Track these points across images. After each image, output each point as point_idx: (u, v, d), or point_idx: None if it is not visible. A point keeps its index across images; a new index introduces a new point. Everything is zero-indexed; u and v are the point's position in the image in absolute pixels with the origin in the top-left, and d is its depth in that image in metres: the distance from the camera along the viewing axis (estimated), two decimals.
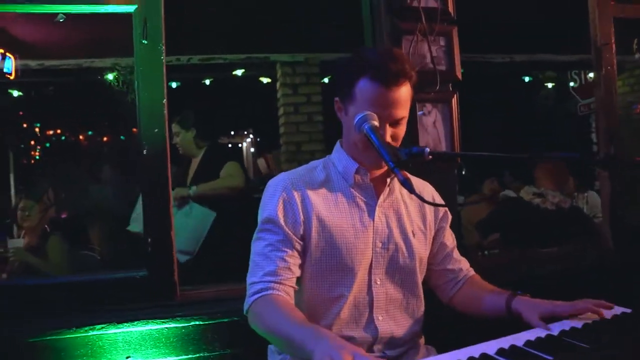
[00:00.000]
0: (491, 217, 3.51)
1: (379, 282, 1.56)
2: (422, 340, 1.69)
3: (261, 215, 1.54)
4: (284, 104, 5.08)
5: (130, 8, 2.01)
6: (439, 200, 1.72)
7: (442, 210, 1.70)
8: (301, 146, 5.03)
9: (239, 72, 5.16)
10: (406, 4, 2.12)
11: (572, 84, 6.35)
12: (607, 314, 1.45)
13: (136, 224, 2.97)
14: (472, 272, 1.75)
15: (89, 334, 1.84)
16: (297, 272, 1.50)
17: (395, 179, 1.58)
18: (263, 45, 4.80)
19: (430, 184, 1.75)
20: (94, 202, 4.35)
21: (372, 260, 1.55)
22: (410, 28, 2.11)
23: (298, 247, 1.50)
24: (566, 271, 2.47)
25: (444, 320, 1.78)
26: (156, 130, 2.00)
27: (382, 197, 1.57)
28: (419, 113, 2.11)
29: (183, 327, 1.91)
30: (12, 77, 3.80)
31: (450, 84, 2.21)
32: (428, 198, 1.68)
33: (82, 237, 3.65)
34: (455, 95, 2.19)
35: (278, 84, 5.19)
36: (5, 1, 1.97)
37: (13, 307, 1.91)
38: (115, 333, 1.86)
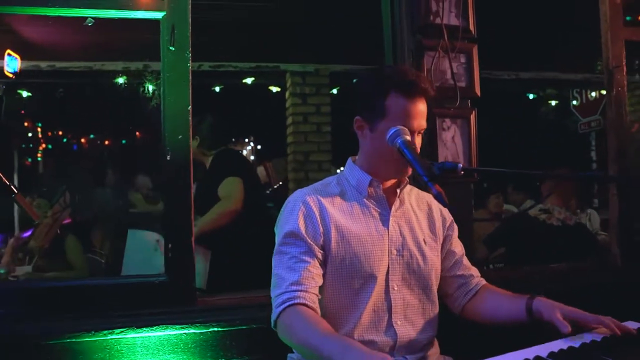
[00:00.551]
0: (497, 232, 3.54)
1: (396, 288, 1.61)
2: (437, 349, 1.72)
3: (282, 229, 1.59)
4: (293, 114, 5.12)
5: (158, 14, 2.03)
6: (445, 212, 1.78)
7: (448, 219, 1.78)
8: (309, 156, 5.06)
9: (248, 80, 5.20)
10: (429, 20, 2.16)
11: (574, 102, 6.43)
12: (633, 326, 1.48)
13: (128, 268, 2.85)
14: (484, 281, 1.79)
15: (108, 337, 1.84)
16: (320, 281, 1.55)
17: (405, 190, 1.68)
18: (273, 54, 4.85)
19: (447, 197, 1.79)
20: (97, 206, 4.37)
21: (389, 267, 1.60)
22: (433, 44, 2.15)
23: (320, 256, 1.56)
24: (575, 288, 2.49)
25: (460, 331, 1.80)
26: (180, 136, 2.02)
27: (394, 207, 1.64)
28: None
29: (201, 333, 1.92)
30: (13, 77, 3.79)
31: (469, 101, 2.24)
32: (435, 209, 1.77)
33: (85, 241, 3.66)
34: (474, 112, 2.23)
35: (287, 93, 5.23)
36: (35, 4, 2.00)
37: (31, 308, 1.92)
38: (134, 337, 1.86)
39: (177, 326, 1.90)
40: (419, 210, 1.73)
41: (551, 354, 1.27)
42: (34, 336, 1.81)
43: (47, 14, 2.02)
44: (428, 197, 1.79)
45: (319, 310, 1.51)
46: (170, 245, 2.00)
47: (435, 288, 1.70)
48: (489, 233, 3.53)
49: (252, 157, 9.04)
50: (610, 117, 2.72)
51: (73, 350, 1.81)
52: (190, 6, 2.04)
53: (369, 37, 3.07)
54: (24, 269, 2.95)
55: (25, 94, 5.23)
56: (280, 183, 5.41)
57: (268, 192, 5.01)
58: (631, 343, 1.39)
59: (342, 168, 1.77)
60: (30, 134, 7.42)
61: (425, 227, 1.71)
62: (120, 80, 4.61)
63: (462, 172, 1.40)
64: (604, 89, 5.84)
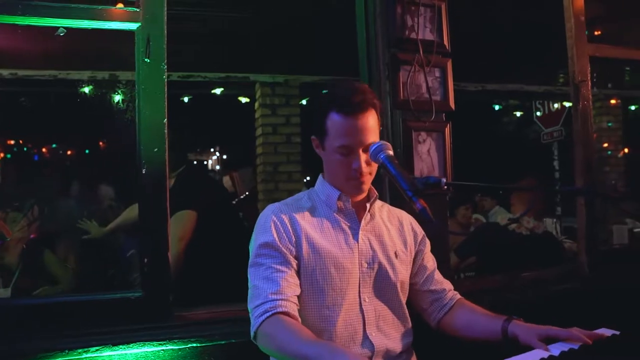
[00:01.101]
0: (468, 241, 3.60)
1: (367, 300, 1.63)
2: (414, 357, 1.74)
3: (257, 241, 1.59)
4: (263, 124, 5.10)
5: (133, 26, 2.00)
6: (417, 227, 1.82)
7: (420, 234, 1.81)
8: (279, 167, 5.05)
9: (218, 91, 5.16)
10: (405, 35, 2.19)
11: (537, 113, 6.61)
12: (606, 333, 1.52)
13: None
14: (458, 295, 1.81)
15: (83, 356, 1.79)
16: (298, 291, 1.55)
17: (375, 205, 1.72)
18: (243, 65, 4.84)
19: (416, 218, 1.83)
20: (62, 218, 4.25)
21: (359, 279, 1.62)
22: (409, 59, 2.19)
23: (295, 266, 1.57)
24: (545, 296, 2.55)
25: (437, 341, 1.82)
26: (156, 149, 1.99)
27: (364, 221, 1.67)
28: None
29: (180, 350, 1.89)
30: None
31: (444, 114, 2.28)
32: (406, 225, 1.80)
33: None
34: (448, 125, 2.27)
35: (257, 104, 5.21)
36: (4, 12, 1.94)
37: (2, 328, 1.85)
38: (110, 355, 1.82)
39: (155, 343, 1.86)
40: (391, 225, 1.76)
41: None
42: (5, 357, 1.75)
43: (18, 22, 1.96)
44: (399, 212, 1.83)
45: (299, 319, 1.51)
46: (145, 260, 1.96)
47: (404, 300, 1.73)
48: (460, 242, 3.58)
49: (217, 167, 8.98)
50: (577, 129, 2.81)
51: None
52: (165, 18, 2.02)
53: (339, 49, 3.10)
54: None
55: None
56: (247, 193, 5.38)
57: (234, 202, 4.96)
58: (609, 349, 1.42)
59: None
60: None
61: (397, 241, 1.73)
62: (86, 89, 4.51)
63: (446, 187, 1.42)
64: (565, 101, 6.07)
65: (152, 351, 1.86)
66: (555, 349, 1.42)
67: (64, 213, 4.39)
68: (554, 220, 4.33)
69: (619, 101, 6.88)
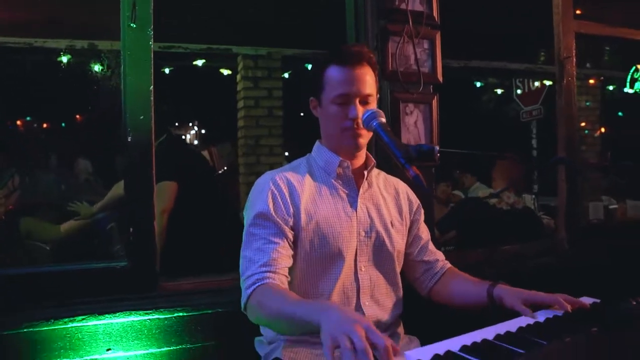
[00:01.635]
0: (449, 216, 3.64)
1: (363, 269, 1.64)
2: (402, 328, 1.76)
3: (252, 211, 1.57)
4: (245, 97, 5.05)
5: None
6: (412, 196, 1.83)
7: (415, 204, 1.82)
8: (260, 140, 5.01)
9: (199, 63, 5.08)
10: (395, 5, 2.18)
11: (518, 91, 6.65)
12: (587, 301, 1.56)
13: None
14: (448, 264, 1.84)
15: (68, 326, 1.78)
16: (290, 263, 1.55)
17: (373, 173, 1.71)
18: (225, 37, 4.76)
19: (409, 181, 1.82)
20: (41, 192, 4.18)
21: (357, 248, 1.63)
22: (398, 30, 2.18)
23: (290, 237, 1.56)
24: (525, 270, 2.59)
25: (424, 313, 1.85)
26: (142, 117, 1.95)
27: (362, 189, 1.67)
28: None
29: (166, 319, 1.88)
30: None
31: (432, 86, 2.28)
32: (402, 193, 1.80)
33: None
34: (436, 97, 2.27)
35: (239, 77, 5.15)
36: None
37: None
38: (95, 325, 1.81)
39: (141, 312, 1.86)
40: (387, 194, 1.76)
41: (507, 333, 1.31)
42: None
43: None
44: (395, 181, 1.83)
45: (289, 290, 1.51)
46: (131, 230, 1.94)
47: (398, 270, 1.74)
48: (441, 217, 3.62)
49: (195, 142, 8.89)
50: (560, 106, 2.84)
51: (32, 341, 1.73)
52: None
53: (324, 21, 3.06)
54: None
55: None
56: (225, 168, 5.34)
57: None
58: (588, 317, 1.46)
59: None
60: None
61: (392, 210, 1.74)
62: (64, 59, 4.39)
63: (439, 154, 1.42)
64: (546, 79, 6.12)
65: (138, 320, 1.85)
66: (541, 316, 1.44)
67: (43, 186, 4.32)
68: (533, 196, 4.39)
69: (598, 80, 6.96)
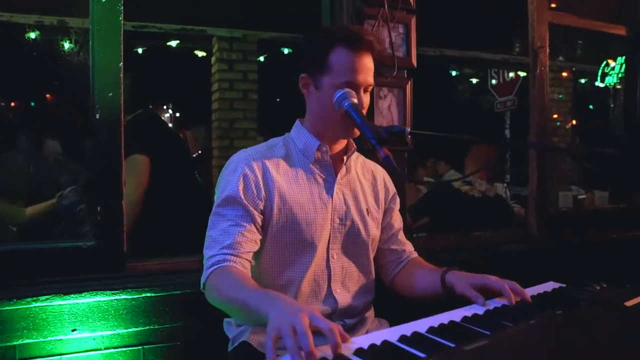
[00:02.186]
0: (421, 202, 3.66)
1: (335, 257, 1.61)
2: (372, 312, 1.75)
3: (222, 191, 1.53)
4: (219, 80, 4.99)
5: None
6: (389, 183, 1.80)
7: (391, 191, 1.79)
8: (234, 123, 4.97)
9: (173, 43, 5.00)
10: None
11: (492, 81, 6.71)
12: (548, 287, 1.58)
13: None
14: (414, 254, 1.82)
15: (32, 305, 1.74)
16: (255, 247, 1.51)
17: (352, 157, 1.66)
18: (200, 18, 4.68)
19: (381, 166, 1.81)
20: (8, 173, 4.08)
21: (330, 236, 1.59)
22: (373, 13, 2.16)
23: (259, 221, 1.51)
24: (495, 255, 2.63)
25: (393, 296, 1.86)
26: (111, 94, 1.91)
27: (340, 175, 1.62)
28: None
29: (133, 299, 1.86)
30: None
31: (406, 71, 2.28)
32: (380, 179, 1.77)
33: None
34: (410, 82, 2.27)
35: (213, 59, 5.08)
36: None
37: None
38: (60, 305, 1.77)
39: (108, 292, 1.83)
40: (364, 179, 1.72)
41: (464, 318, 1.31)
42: None
43: None
44: (373, 166, 1.79)
45: (249, 274, 1.48)
46: (99, 209, 1.90)
47: (372, 257, 1.72)
48: (413, 203, 3.63)
49: (170, 125, 8.77)
50: (533, 95, 2.87)
51: None
52: None
53: (299, 4, 3.02)
54: None
55: None
56: (200, 152, 5.30)
57: None
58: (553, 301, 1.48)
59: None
60: None
61: (369, 197, 1.70)
62: (32, 35, 4.26)
63: (410, 136, 1.41)
64: (520, 70, 6.19)
65: (104, 300, 1.83)
66: (490, 305, 1.42)
67: (10, 168, 4.22)
68: (504, 185, 4.45)
69: (570, 73, 7.06)
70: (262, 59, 5.23)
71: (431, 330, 1.23)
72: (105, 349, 1.84)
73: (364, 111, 1.50)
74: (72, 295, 1.79)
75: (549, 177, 2.84)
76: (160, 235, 2.65)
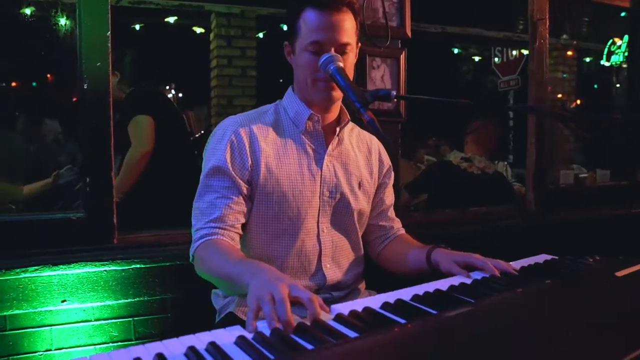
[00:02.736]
0: (420, 179, 3.62)
1: (325, 231, 1.58)
2: (363, 284, 1.73)
3: (208, 161, 1.50)
4: (218, 56, 4.94)
5: None
6: (385, 156, 1.75)
7: (386, 165, 1.74)
8: (233, 100, 4.93)
9: (171, 20, 4.94)
10: None
11: (495, 59, 6.62)
12: (540, 259, 1.55)
13: None
14: (402, 231, 1.79)
15: (21, 276, 1.74)
16: (243, 219, 1.49)
17: (346, 128, 1.61)
18: None
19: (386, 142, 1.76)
20: (7, 152, 4.07)
21: (319, 209, 1.56)
22: None
23: (245, 192, 1.49)
24: (492, 230, 2.61)
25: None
26: (99, 63, 1.88)
27: (331, 146, 1.57)
28: None
29: (123, 270, 1.85)
30: None
31: (400, 41, 2.24)
32: (375, 152, 1.72)
33: None
34: (404, 52, 2.23)
35: (212, 35, 5.03)
36: None
37: None
38: (49, 276, 1.77)
39: (97, 263, 1.82)
40: (359, 152, 1.67)
41: (451, 287, 1.29)
42: None
43: None
44: (369, 138, 1.73)
45: (238, 246, 1.47)
46: (88, 180, 1.89)
47: (362, 231, 1.70)
48: (412, 180, 3.60)
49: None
50: (532, 68, 2.82)
51: None
52: None
53: None
54: None
55: None
56: (202, 132, 5.26)
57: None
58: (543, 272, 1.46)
59: None
60: None
61: (363, 170, 1.66)
62: (27, 11, 4.20)
63: (395, 100, 1.38)
64: (524, 49, 6.10)
65: (93, 272, 1.82)
66: (478, 276, 1.41)
67: (8, 147, 4.21)
68: (505, 163, 4.41)
69: (575, 52, 6.96)
70: (261, 35, 5.17)
71: (415, 297, 1.21)
72: (96, 320, 1.84)
73: (348, 74, 1.45)
74: (61, 266, 1.78)
75: (548, 152, 2.80)
76: (155, 208, 2.65)
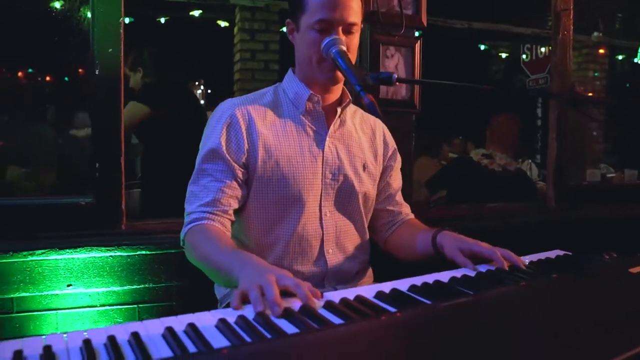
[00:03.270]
0: (439, 175, 3.56)
1: (328, 215, 1.53)
2: (370, 277, 1.68)
3: (205, 144, 1.47)
4: (241, 50, 4.94)
5: None
6: (389, 138, 1.70)
7: (391, 148, 1.69)
8: None
9: (196, 13, 4.96)
10: None
11: (524, 56, 6.48)
12: (552, 254, 1.50)
13: None
14: (410, 216, 1.73)
15: (28, 259, 1.76)
16: (236, 204, 1.45)
17: (348, 110, 1.57)
18: None
19: (388, 128, 1.72)
20: (34, 143, 4.15)
21: (321, 192, 1.51)
22: None
23: (241, 176, 1.45)
24: (511, 226, 2.55)
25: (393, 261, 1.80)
26: (110, 50, 1.89)
27: (332, 128, 1.52)
28: None
29: (129, 256, 1.86)
30: None
31: (415, 30, 2.19)
32: (379, 134, 1.67)
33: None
34: (419, 42, 2.18)
35: (236, 29, 5.03)
36: None
37: None
38: (56, 259, 1.79)
39: (103, 248, 1.83)
40: (362, 134, 1.62)
41: (452, 279, 1.25)
42: None
43: None
44: (373, 120, 1.68)
45: (229, 232, 1.43)
46: (98, 165, 1.90)
47: (367, 216, 1.64)
48: (431, 176, 3.55)
49: (202, 102, 8.78)
50: (554, 61, 2.74)
51: None
52: None
53: None
54: None
55: None
56: None
57: None
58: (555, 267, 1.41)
59: None
60: None
61: (367, 152, 1.61)
62: (57, 4, 4.28)
63: (397, 83, 1.34)
64: None
65: (99, 257, 1.83)
66: (483, 268, 1.35)
67: (36, 139, 4.30)
68: (530, 161, 4.31)
69: (606, 50, 6.77)
70: (284, 29, 5.15)
71: (412, 288, 1.17)
72: (101, 305, 1.85)
73: (352, 55, 1.42)
74: (68, 250, 1.80)
75: (569, 148, 2.72)
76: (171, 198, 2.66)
